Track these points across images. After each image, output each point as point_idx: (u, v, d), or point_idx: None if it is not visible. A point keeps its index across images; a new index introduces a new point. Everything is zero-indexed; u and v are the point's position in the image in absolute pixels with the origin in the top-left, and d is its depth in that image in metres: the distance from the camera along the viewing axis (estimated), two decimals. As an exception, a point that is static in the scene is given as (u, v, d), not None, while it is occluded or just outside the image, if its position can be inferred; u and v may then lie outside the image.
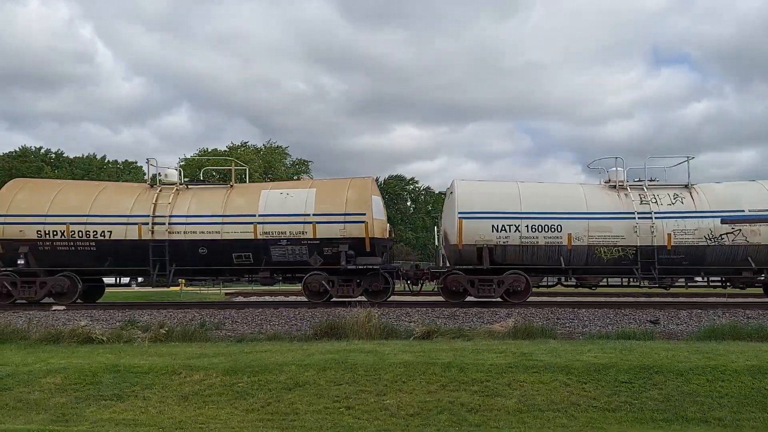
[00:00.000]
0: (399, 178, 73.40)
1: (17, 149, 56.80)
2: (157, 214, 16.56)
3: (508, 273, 16.15)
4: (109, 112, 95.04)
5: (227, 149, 55.96)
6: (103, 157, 61.86)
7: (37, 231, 16.65)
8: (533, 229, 16.03)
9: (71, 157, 60.43)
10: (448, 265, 17.35)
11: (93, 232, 16.57)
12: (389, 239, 17.22)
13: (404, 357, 9.64)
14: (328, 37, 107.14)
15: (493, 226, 16.07)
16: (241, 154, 52.83)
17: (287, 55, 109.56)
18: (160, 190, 17.15)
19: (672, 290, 18.21)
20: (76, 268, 16.78)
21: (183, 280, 24.31)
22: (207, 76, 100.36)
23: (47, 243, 16.66)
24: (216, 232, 16.40)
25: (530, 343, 11.09)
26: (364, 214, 16.23)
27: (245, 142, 58.63)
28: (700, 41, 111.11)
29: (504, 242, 16.09)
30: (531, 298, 17.67)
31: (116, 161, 62.40)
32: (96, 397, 8.65)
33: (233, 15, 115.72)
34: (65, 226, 16.58)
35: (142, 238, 16.45)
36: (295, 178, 52.38)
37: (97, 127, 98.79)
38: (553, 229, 16.02)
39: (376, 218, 16.55)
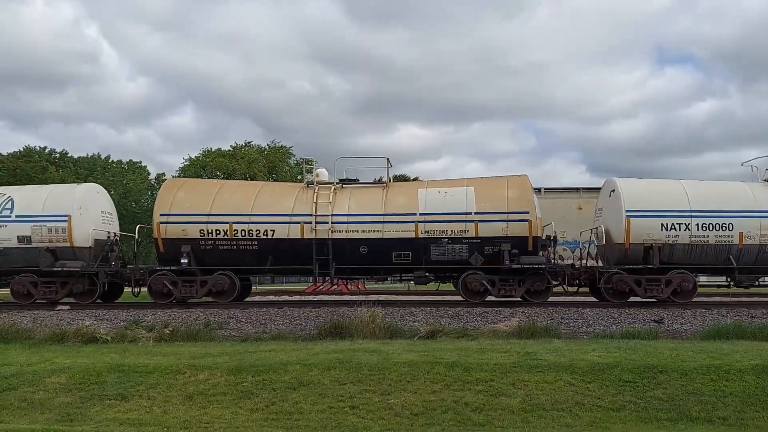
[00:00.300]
0: (403, 178, 73.36)
1: (21, 149, 56.73)
2: (318, 213, 16.59)
3: (673, 272, 15.96)
4: (113, 112, 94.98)
5: (231, 149, 56.00)
6: (108, 157, 61.84)
7: (200, 230, 16.59)
8: (703, 228, 15.91)
9: (75, 157, 60.54)
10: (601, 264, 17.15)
11: (256, 231, 16.55)
12: (548, 238, 17.07)
13: (409, 356, 9.64)
14: (332, 37, 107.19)
15: (662, 224, 15.94)
16: (245, 154, 52.89)
17: (291, 55, 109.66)
18: (317, 190, 17.16)
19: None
20: (233, 267, 16.75)
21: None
22: (211, 76, 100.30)
23: (209, 242, 16.62)
24: (377, 231, 16.38)
25: (534, 342, 11.08)
26: (528, 212, 16.05)
27: (249, 142, 58.62)
28: (704, 41, 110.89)
29: (673, 241, 15.94)
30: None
31: (120, 161, 62.41)
32: (100, 396, 8.67)
33: (237, 15, 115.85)
34: (228, 225, 16.58)
35: (305, 237, 16.49)
36: (299, 178, 52.28)
37: (102, 127, 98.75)
38: (724, 228, 15.89)
39: (538, 216, 16.38)
